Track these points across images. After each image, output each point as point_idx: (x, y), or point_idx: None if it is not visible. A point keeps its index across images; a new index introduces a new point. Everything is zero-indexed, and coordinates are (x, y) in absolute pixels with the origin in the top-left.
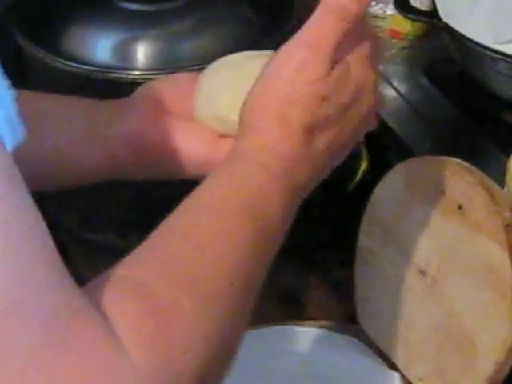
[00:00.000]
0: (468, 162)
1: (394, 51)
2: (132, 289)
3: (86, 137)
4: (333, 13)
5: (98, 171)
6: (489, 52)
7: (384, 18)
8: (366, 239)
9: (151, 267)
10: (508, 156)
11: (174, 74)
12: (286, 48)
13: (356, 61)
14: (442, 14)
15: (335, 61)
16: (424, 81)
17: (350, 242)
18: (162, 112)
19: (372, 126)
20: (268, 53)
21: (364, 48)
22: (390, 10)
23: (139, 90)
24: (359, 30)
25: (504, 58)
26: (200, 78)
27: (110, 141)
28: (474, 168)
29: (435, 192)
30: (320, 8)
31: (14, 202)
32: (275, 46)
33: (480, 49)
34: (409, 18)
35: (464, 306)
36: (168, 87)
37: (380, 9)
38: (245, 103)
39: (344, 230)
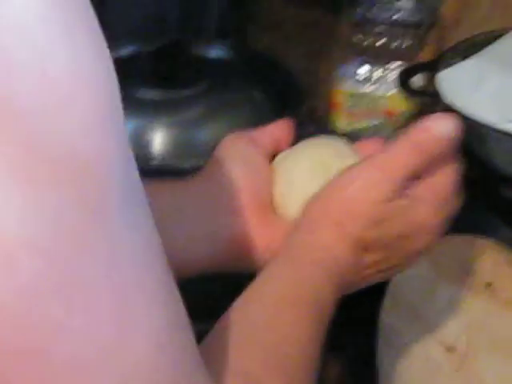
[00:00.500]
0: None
1: (390, 130)
2: (240, 379)
3: (193, 235)
4: (412, 143)
5: (199, 268)
6: (494, 132)
7: (382, 97)
8: (389, 318)
9: (251, 357)
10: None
11: (236, 148)
12: (359, 166)
13: (425, 198)
14: (444, 93)
15: (405, 189)
16: None
17: (364, 321)
18: (250, 205)
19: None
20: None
21: (438, 188)
22: (386, 90)
23: (211, 173)
24: (440, 169)
25: (510, 137)
26: (284, 168)
27: (216, 242)
28: (499, 245)
29: (462, 270)
30: (401, 137)
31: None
32: None
33: (485, 129)
34: (412, 98)
35: (496, 382)
36: (243, 172)
37: (375, 89)
38: (308, 202)
39: (359, 309)
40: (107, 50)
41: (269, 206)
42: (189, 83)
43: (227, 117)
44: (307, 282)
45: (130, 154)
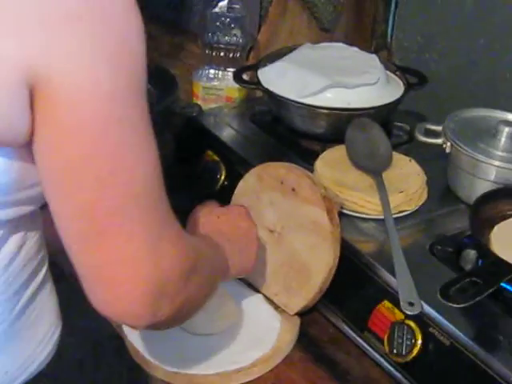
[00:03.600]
0: None
1: (229, 108)
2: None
3: None
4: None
5: None
6: (294, 103)
7: (222, 90)
8: None
9: (198, 244)
10: (308, 163)
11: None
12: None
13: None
14: (263, 82)
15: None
16: (250, 124)
17: None
18: None
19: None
20: None
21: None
22: (225, 84)
23: None
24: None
25: (303, 106)
26: None
27: None
28: (299, 166)
29: (277, 182)
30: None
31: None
32: (162, 111)
33: (289, 102)
34: (243, 86)
35: (301, 247)
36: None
37: (220, 83)
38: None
39: None
40: None
41: None
42: None
43: None
44: (215, 246)
45: None
